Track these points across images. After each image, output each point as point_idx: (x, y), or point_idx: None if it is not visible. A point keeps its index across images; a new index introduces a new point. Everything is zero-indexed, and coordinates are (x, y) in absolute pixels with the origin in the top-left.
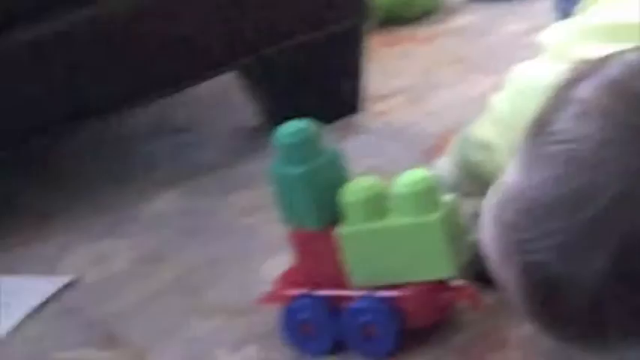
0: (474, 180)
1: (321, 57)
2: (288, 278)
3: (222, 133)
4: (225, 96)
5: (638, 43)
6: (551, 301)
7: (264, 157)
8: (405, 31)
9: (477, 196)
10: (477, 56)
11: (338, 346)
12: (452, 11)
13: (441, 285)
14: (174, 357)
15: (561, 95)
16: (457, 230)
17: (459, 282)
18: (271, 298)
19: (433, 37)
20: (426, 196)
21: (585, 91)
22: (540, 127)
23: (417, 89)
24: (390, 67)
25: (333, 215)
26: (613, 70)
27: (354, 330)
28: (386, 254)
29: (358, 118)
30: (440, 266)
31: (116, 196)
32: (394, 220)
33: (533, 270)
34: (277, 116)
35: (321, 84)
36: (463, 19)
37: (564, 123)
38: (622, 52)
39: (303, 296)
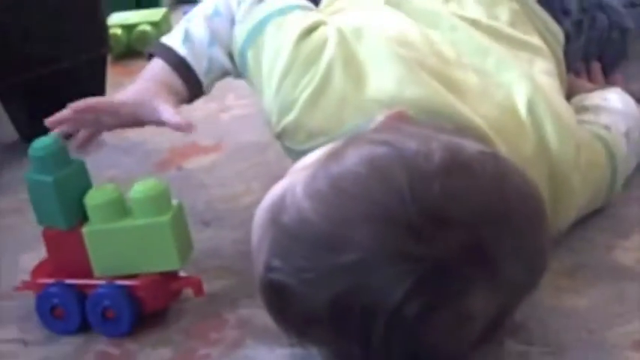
0: None
1: (69, 83)
2: (42, 269)
3: None
4: None
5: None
6: (281, 312)
7: (21, 167)
8: (141, 64)
9: None
10: None
11: (84, 327)
12: None
13: (170, 275)
14: None
15: (365, 140)
16: (182, 229)
17: (185, 273)
18: (27, 286)
19: None
20: (157, 200)
21: (382, 157)
22: (332, 160)
23: None
24: None
25: (79, 216)
26: (409, 145)
27: (96, 313)
28: (124, 249)
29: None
30: (169, 260)
31: None
32: (131, 221)
33: (274, 285)
34: (32, 133)
35: None
36: None
37: (352, 174)
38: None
39: (53, 285)
